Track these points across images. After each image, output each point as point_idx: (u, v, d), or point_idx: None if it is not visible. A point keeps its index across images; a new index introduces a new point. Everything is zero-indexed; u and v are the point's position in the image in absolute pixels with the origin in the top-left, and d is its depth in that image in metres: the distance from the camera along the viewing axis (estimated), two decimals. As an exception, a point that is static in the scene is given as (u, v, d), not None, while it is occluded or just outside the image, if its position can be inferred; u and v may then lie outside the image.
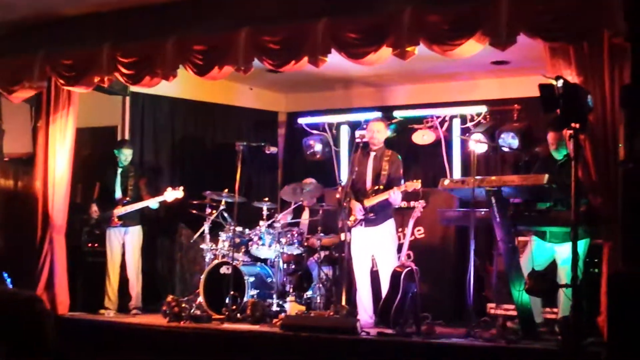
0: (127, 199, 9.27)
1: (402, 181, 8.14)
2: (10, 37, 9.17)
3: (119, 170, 9.42)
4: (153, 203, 9.19)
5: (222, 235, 9.09)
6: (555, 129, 7.47)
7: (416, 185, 7.96)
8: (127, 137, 10.26)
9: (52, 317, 2.77)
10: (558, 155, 7.57)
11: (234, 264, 8.62)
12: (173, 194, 9.14)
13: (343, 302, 7.90)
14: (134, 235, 9.31)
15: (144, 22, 8.46)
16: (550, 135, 7.63)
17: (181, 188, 9.18)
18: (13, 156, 10.57)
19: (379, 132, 8.36)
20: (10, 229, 10.14)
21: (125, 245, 9.29)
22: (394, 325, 7.53)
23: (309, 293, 8.92)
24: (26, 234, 9.21)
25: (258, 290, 8.75)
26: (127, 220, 9.24)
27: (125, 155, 9.42)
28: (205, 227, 9.18)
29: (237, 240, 8.99)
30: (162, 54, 8.03)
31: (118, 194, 9.35)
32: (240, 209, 9.02)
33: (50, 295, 8.78)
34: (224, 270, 8.75)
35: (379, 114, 9.65)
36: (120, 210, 9.18)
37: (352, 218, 8.10)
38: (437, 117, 10.16)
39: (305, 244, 9.11)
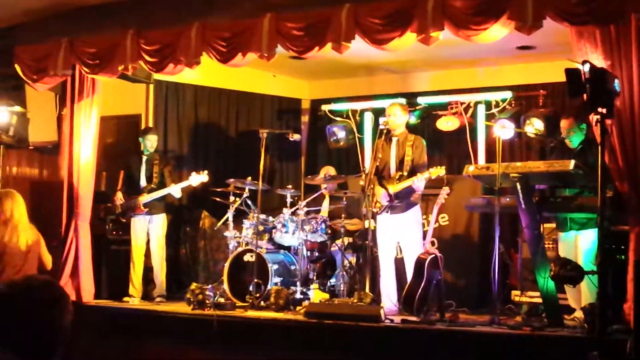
0: (152, 186, 9.27)
1: (426, 167, 8.09)
2: (35, 25, 9.19)
3: (144, 158, 9.42)
4: (177, 190, 9.19)
5: (246, 223, 9.08)
6: (575, 116, 7.42)
7: (440, 172, 7.87)
8: (150, 125, 10.28)
9: (69, 302, 2.75)
10: (572, 143, 7.50)
11: (257, 251, 8.62)
12: (198, 178, 9.15)
13: (367, 290, 7.88)
14: (158, 224, 9.31)
15: (167, 9, 8.46)
16: (562, 122, 7.58)
17: (205, 172, 9.19)
18: (38, 145, 10.62)
19: (395, 116, 8.27)
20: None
21: (150, 233, 9.29)
22: (417, 312, 7.52)
23: (332, 280, 8.91)
24: (51, 222, 9.25)
25: (282, 278, 8.74)
26: (152, 209, 9.24)
27: (151, 142, 9.40)
28: (229, 214, 9.19)
29: (261, 227, 8.98)
30: (185, 41, 8.02)
31: (143, 181, 9.35)
32: (263, 196, 9.02)
33: (75, 283, 8.81)
34: (247, 257, 8.75)
35: (402, 101, 9.60)
36: (145, 198, 9.18)
37: (377, 205, 8.06)
38: (462, 103, 10.12)
39: (329, 231, 9.08)
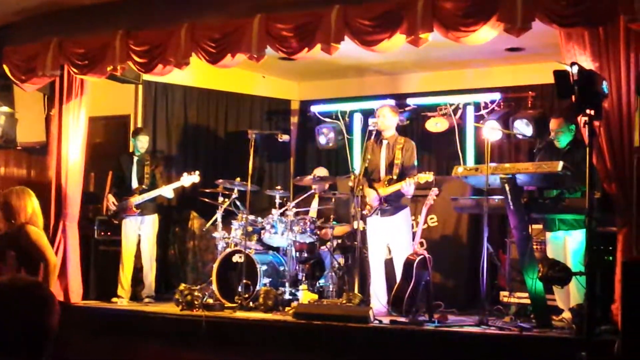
0: (144, 187, 9.24)
1: (416, 170, 8.08)
2: (24, 25, 9.17)
3: (135, 159, 9.39)
4: (168, 190, 9.19)
5: (235, 224, 9.06)
6: (565, 116, 7.43)
7: (428, 178, 7.87)
8: (139, 125, 10.25)
9: (55, 303, 2.73)
10: (560, 143, 7.51)
11: (246, 252, 8.61)
12: (190, 179, 9.14)
13: (355, 291, 7.88)
14: (150, 224, 9.29)
15: (157, 10, 8.45)
16: (552, 122, 7.59)
17: (197, 172, 9.18)
18: (26, 145, 10.59)
19: (384, 118, 8.25)
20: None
21: (141, 233, 9.26)
22: (406, 313, 7.53)
23: (321, 281, 8.91)
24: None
25: (270, 279, 8.73)
26: (144, 209, 9.20)
27: (142, 143, 9.38)
28: (218, 215, 9.18)
29: (250, 228, 8.97)
30: (174, 42, 8.00)
31: (134, 182, 9.33)
32: (252, 197, 9.02)
33: (63, 284, 8.76)
34: (236, 258, 8.72)
35: (392, 102, 9.60)
36: (137, 199, 9.16)
37: (367, 207, 8.06)
38: (451, 105, 10.12)
39: (318, 232, 9.08)
